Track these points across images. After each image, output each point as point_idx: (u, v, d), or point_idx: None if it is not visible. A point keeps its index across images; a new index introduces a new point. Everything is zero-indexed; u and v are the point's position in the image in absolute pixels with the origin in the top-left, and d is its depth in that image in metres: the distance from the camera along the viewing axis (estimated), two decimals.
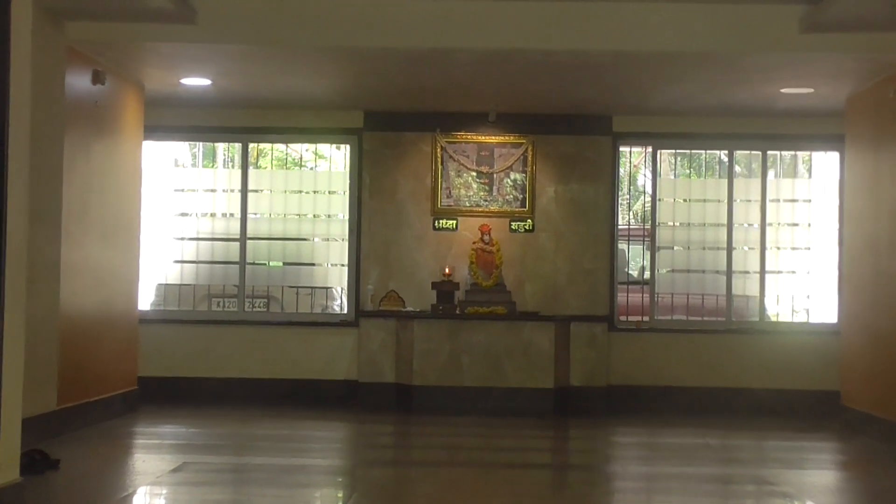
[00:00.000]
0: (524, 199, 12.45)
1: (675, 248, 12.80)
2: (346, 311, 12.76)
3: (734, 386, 12.26)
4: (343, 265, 12.67)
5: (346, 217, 12.64)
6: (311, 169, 13.51)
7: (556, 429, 11.03)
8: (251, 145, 12.86)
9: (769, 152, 12.77)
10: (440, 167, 12.44)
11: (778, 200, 12.66)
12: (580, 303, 12.37)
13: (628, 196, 14.92)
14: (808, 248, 12.66)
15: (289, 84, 11.22)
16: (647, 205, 13.58)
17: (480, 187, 12.46)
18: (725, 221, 12.59)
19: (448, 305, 11.89)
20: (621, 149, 12.84)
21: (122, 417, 10.59)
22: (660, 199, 12.73)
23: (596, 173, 12.50)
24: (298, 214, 12.84)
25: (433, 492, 7.72)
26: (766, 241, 12.57)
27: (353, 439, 10.49)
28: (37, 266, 8.66)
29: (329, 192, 12.80)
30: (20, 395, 6.41)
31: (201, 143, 13.48)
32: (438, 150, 12.44)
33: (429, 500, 7.47)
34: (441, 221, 12.46)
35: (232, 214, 12.74)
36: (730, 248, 12.56)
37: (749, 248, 12.68)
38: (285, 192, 12.81)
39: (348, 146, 12.74)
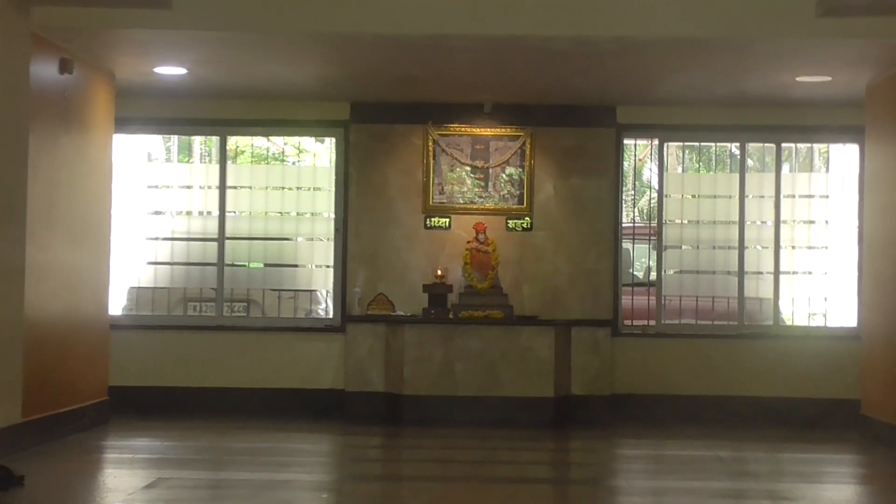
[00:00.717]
0: (522, 195, 12.44)
1: (684, 247, 12.79)
2: (331, 315, 12.75)
3: (746, 394, 12.25)
4: (328, 266, 12.65)
5: (332, 215, 12.62)
6: (294, 164, 13.52)
7: (556, 441, 11.02)
8: (230, 139, 12.83)
9: (784, 145, 12.77)
10: (432, 161, 12.43)
11: (793, 196, 12.66)
12: (582, 306, 12.37)
13: (633, 192, 14.91)
14: (826, 247, 12.66)
15: (270, 73, 11.21)
16: (653, 201, 13.60)
17: (475, 183, 12.46)
18: (737, 219, 12.58)
19: (441, 309, 11.88)
20: (626, 141, 12.84)
21: (92, 430, 10.56)
22: (667, 195, 12.73)
23: (598, 168, 12.50)
24: (280, 212, 12.82)
25: None
26: (780, 239, 12.57)
27: (339, 453, 10.47)
28: None
29: (313, 189, 12.78)
30: None
31: (176, 137, 13.47)
32: (430, 143, 12.43)
33: None
34: (433, 219, 12.45)
35: (209, 212, 12.72)
36: (742, 248, 12.56)
37: (762, 248, 12.69)
38: (266, 188, 12.79)
39: (333, 139, 12.72)
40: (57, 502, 7.53)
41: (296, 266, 12.82)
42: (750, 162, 13.17)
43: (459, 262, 12.16)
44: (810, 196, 12.70)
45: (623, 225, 12.81)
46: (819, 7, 9.29)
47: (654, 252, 12.79)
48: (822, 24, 9.38)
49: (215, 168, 12.74)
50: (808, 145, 13.19)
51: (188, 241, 12.70)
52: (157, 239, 12.75)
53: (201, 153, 14.86)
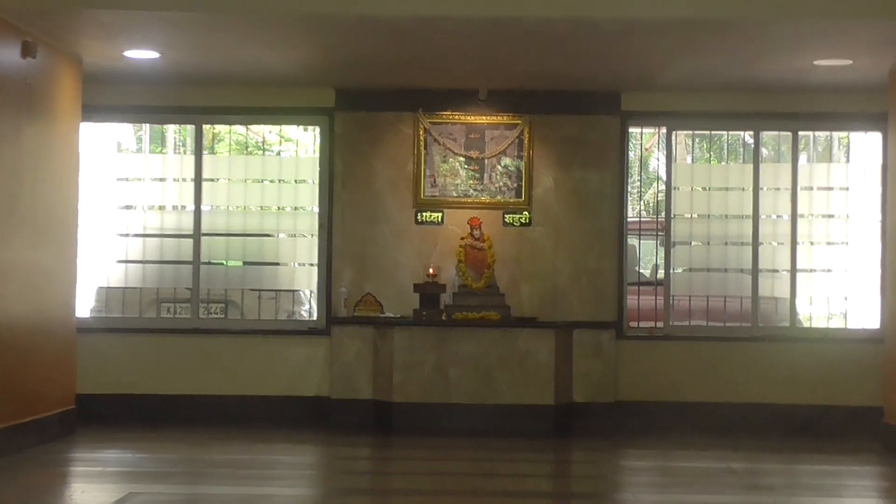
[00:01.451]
0: (519, 188, 12.44)
1: (693, 243, 12.79)
2: (315, 317, 12.74)
3: (761, 401, 12.26)
4: (312, 265, 12.64)
5: (316, 210, 12.61)
6: (276, 154, 13.50)
7: (556, 451, 11.02)
8: (206, 127, 12.82)
9: (801, 133, 12.77)
10: (423, 152, 12.42)
11: (811, 188, 12.67)
12: (584, 307, 12.36)
13: (639, 184, 14.93)
14: (846, 243, 12.66)
15: (249, 57, 11.19)
16: (660, 194, 13.58)
17: (469, 175, 12.45)
18: (751, 213, 12.58)
19: (433, 311, 11.88)
20: (631, 130, 12.84)
21: (58, 441, 10.54)
22: (675, 188, 12.73)
23: (602, 158, 12.49)
24: (261, 207, 12.82)
25: None
26: (797, 234, 12.56)
27: (324, 465, 10.46)
28: None
29: (296, 182, 12.78)
30: None
31: (148, 126, 13.46)
32: (421, 132, 12.42)
33: None
34: (424, 214, 12.44)
35: (184, 207, 12.70)
36: (756, 244, 12.56)
37: (778, 244, 12.69)
38: (245, 181, 12.78)
39: (317, 128, 12.71)
40: None
41: (277, 264, 12.82)
42: (764, 151, 13.16)
43: (453, 259, 12.15)
44: (829, 188, 12.70)
45: (628, 220, 12.81)
46: None
47: (662, 249, 12.78)
48: (842, 4, 9.37)
49: (190, 159, 12.71)
50: (827, 133, 13.20)
51: (161, 238, 12.68)
52: (127, 235, 12.73)
53: (175, 143, 14.85)
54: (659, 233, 12.93)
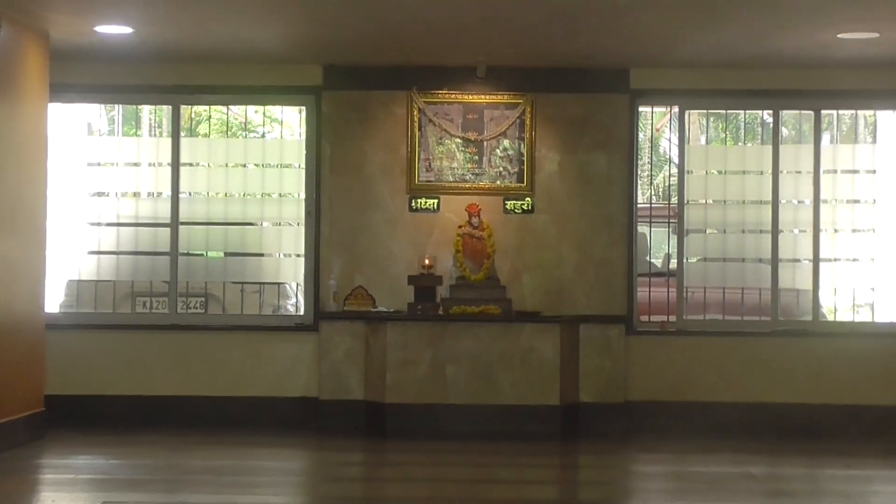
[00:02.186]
0: (521, 172, 12.42)
1: (708, 231, 12.79)
2: (302, 312, 12.73)
3: (782, 401, 12.25)
4: (299, 256, 12.63)
5: (302, 196, 12.59)
6: (259, 137, 13.46)
7: (562, 456, 11.05)
8: (183, 108, 12.82)
9: (824, 112, 12.76)
10: (418, 134, 12.40)
11: (835, 171, 12.66)
12: (591, 300, 12.35)
13: (649, 168, 14.87)
14: (873, 230, 12.67)
15: (230, 32, 11.16)
16: (672, 178, 13.56)
17: (467, 158, 12.43)
18: (770, 198, 12.57)
19: (428, 304, 11.87)
20: (641, 109, 12.82)
21: (26, 446, 10.53)
22: (688, 171, 12.71)
23: (610, 140, 12.48)
24: (243, 193, 12.79)
25: None
26: (819, 221, 12.55)
27: (312, 471, 10.49)
28: None
29: (281, 166, 12.77)
30: None
31: (121, 106, 13.42)
32: (415, 112, 12.40)
33: None
34: (419, 201, 12.42)
35: (160, 194, 12.68)
36: (775, 232, 12.54)
37: (799, 231, 12.68)
38: (226, 165, 12.80)
39: (304, 109, 12.70)
40: None
41: (261, 255, 12.82)
42: (784, 132, 13.14)
43: (450, 249, 12.14)
44: (854, 171, 12.70)
45: (638, 206, 12.78)
46: None
47: (675, 237, 12.77)
48: None
49: (167, 142, 12.69)
50: (852, 112, 13.18)
51: (136, 227, 12.66)
52: (100, 225, 12.71)
53: (151, 125, 14.82)
54: (671, 220, 12.92)
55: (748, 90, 12.58)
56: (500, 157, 12.43)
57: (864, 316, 12.94)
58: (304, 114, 12.72)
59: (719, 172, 12.81)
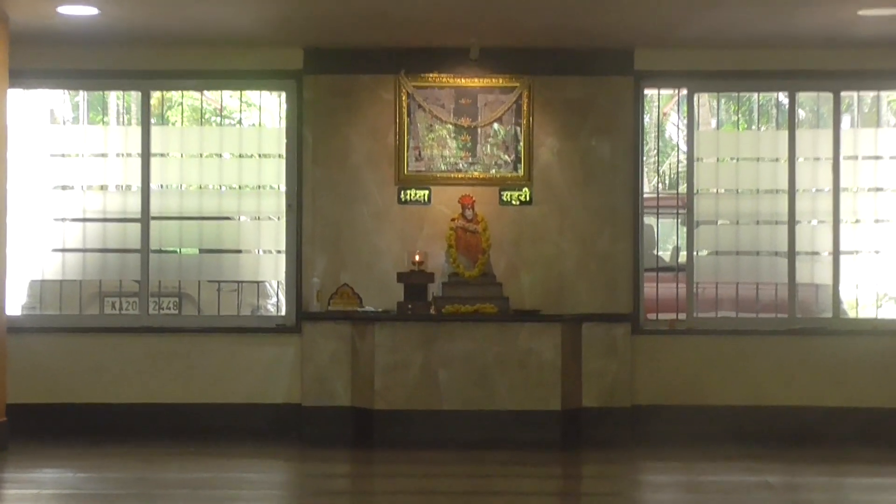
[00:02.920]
0: (518, 160, 12.43)
1: (720, 222, 12.81)
2: (283, 312, 12.74)
3: (800, 404, 12.27)
4: (279, 252, 12.64)
5: (283, 188, 12.59)
6: (236, 125, 13.44)
7: (564, 465, 11.05)
8: (154, 94, 12.80)
9: (843, 93, 12.77)
10: (406, 120, 12.41)
11: (855, 157, 12.68)
12: (594, 297, 12.37)
13: (656, 154, 14.93)
14: None
15: (203, 13, 11.17)
16: (681, 166, 13.56)
17: (460, 146, 12.44)
18: (786, 186, 12.58)
19: (419, 304, 11.88)
20: (647, 92, 12.82)
21: None
22: (698, 159, 12.72)
23: (613, 125, 12.49)
24: (219, 185, 12.80)
25: None
26: (840, 211, 12.57)
27: (295, 484, 10.47)
28: None
29: (259, 156, 12.77)
30: None
31: (86, 92, 13.41)
32: (404, 97, 12.41)
33: None
34: (408, 192, 12.43)
35: (129, 186, 12.71)
36: (792, 222, 12.56)
37: (818, 222, 12.70)
38: (200, 155, 12.79)
39: (284, 94, 12.70)
40: None
41: (239, 252, 12.83)
42: (802, 115, 13.15)
43: (442, 244, 12.14)
44: (877, 157, 12.72)
45: (644, 196, 12.79)
46: None
47: (684, 229, 12.77)
48: None
49: (136, 130, 12.68)
50: (874, 93, 13.19)
51: (104, 223, 12.66)
52: (64, 220, 12.71)
53: (118, 112, 14.81)
54: (680, 210, 12.94)
55: (762, 71, 12.58)
56: (495, 145, 12.44)
57: (888, 312, 12.96)
58: (283, 100, 12.71)
59: (731, 159, 12.82)
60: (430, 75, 12.43)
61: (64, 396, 12.25)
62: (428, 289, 11.99)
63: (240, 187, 12.79)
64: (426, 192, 12.44)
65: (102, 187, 12.73)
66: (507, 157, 12.44)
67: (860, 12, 10.93)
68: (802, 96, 13.13)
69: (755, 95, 13.36)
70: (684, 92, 12.80)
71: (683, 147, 13.11)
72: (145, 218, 12.54)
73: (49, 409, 12.16)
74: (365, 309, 12.08)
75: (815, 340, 12.43)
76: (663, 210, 13.39)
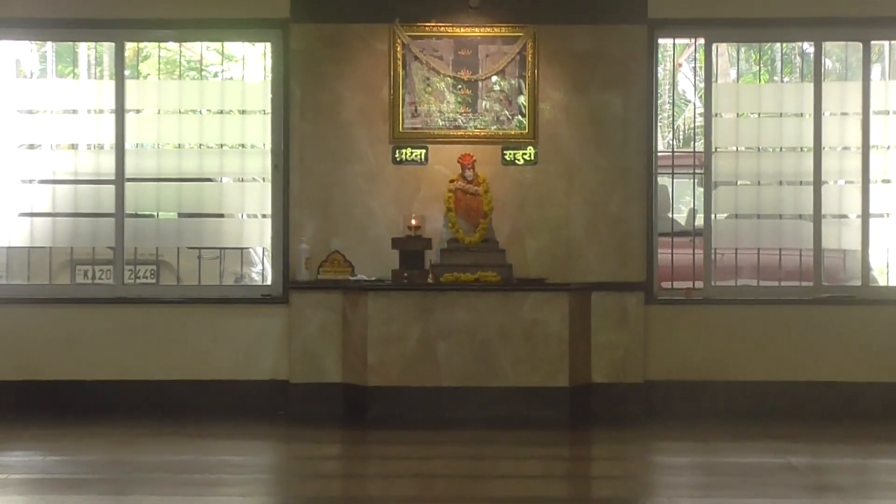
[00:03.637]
0: (522, 116, 12.41)
1: (739, 182, 12.81)
2: (269, 281, 12.76)
3: (826, 379, 12.30)
4: (265, 216, 12.67)
5: (268, 147, 12.58)
6: (216, 78, 13.42)
7: (572, 446, 11.09)
8: (128, 45, 12.78)
9: (873, 42, 12.77)
10: (402, 73, 12.39)
11: (887, 112, 12.68)
12: (605, 265, 12.38)
13: (670, 110, 14.92)
14: None
15: None
16: (698, 122, 13.55)
17: (459, 101, 12.43)
18: (811, 144, 12.58)
19: (416, 271, 11.89)
20: (661, 42, 12.81)
21: None
22: (716, 114, 12.71)
23: (625, 78, 12.48)
24: (199, 144, 12.79)
25: None
26: (870, 170, 12.57)
27: (283, 466, 10.49)
28: None
29: (242, 112, 12.78)
30: None
31: (55, 43, 13.37)
32: (399, 48, 12.39)
33: None
34: (404, 151, 12.42)
35: (102, 146, 12.68)
36: (818, 183, 12.56)
37: (846, 182, 12.71)
38: (179, 111, 12.78)
39: (269, 45, 12.68)
40: None
41: (221, 216, 12.85)
42: (828, 65, 13.12)
43: (440, 207, 12.15)
44: None
45: (658, 154, 12.77)
46: None
47: (701, 190, 12.77)
48: None
49: (109, 85, 12.68)
50: None
51: (75, 185, 12.68)
52: (32, 182, 12.73)
53: (90, 65, 14.76)
54: (697, 170, 12.92)
55: (785, 18, 12.55)
56: (497, 101, 12.42)
57: None
58: (269, 51, 12.70)
59: (752, 114, 12.81)
60: (428, 24, 12.41)
61: (32, 373, 12.28)
62: (425, 255, 11.99)
63: (221, 146, 12.80)
64: (423, 150, 12.43)
65: (73, 146, 12.74)
66: (510, 112, 12.43)
67: None
68: (829, 45, 13.11)
69: (778, 45, 13.34)
70: (702, 41, 12.78)
71: (700, 103, 13.06)
72: (120, 179, 12.53)
73: (16, 386, 12.20)
74: (357, 277, 12.09)
75: (842, 310, 12.44)
76: (678, 169, 13.37)
